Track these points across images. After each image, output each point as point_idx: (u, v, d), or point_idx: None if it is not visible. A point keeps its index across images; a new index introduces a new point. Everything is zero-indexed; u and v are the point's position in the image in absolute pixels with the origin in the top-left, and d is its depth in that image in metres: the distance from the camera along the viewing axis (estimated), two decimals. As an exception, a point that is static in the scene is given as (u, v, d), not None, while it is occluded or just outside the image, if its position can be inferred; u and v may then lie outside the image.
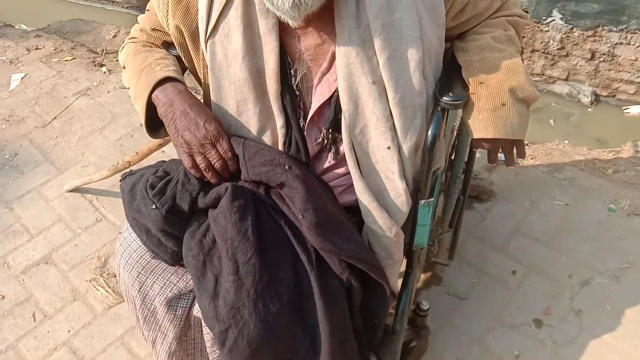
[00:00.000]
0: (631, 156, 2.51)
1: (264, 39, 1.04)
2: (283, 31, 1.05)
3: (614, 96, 3.16)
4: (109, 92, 2.78)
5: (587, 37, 2.93)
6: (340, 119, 1.07)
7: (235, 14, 1.03)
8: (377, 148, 1.06)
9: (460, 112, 1.16)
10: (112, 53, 3.22)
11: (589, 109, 3.15)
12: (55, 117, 2.63)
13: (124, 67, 1.22)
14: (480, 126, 1.04)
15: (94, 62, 3.06)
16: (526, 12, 2.99)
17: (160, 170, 1.13)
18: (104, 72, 2.95)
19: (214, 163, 1.07)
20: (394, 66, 1.00)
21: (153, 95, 1.10)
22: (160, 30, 1.20)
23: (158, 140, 1.68)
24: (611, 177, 2.26)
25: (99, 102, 2.72)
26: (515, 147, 1.10)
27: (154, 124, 1.15)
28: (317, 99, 1.08)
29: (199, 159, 1.07)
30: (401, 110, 1.02)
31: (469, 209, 2.05)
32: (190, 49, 1.13)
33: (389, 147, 1.04)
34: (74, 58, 3.11)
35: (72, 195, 2.20)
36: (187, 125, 1.06)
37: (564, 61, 3.11)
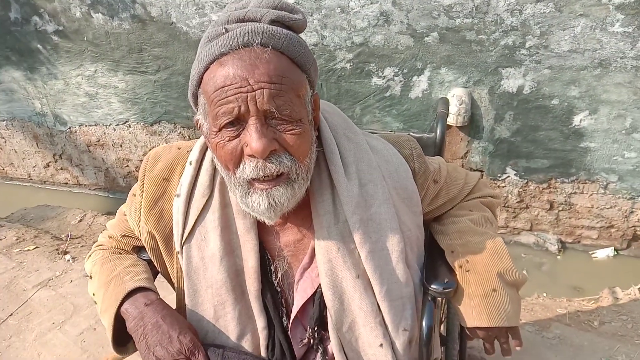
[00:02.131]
0: (611, 304, 2.49)
1: (243, 238, 1.01)
2: (261, 229, 1.03)
3: (579, 242, 3.23)
4: (71, 281, 2.65)
5: (542, 189, 3.08)
6: (325, 316, 1.01)
7: (212, 217, 1.01)
8: (369, 346, 0.98)
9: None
10: (77, 238, 3.15)
11: (558, 257, 3.20)
12: (11, 314, 2.45)
13: (90, 277, 1.15)
14: (474, 314, 0.99)
15: (57, 249, 2.97)
16: (481, 171, 3.17)
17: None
18: (68, 260, 2.85)
19: None
20: (376, 259, 0.98)
21: (122, 308, 1.02)
22: (131, 236, 1.16)
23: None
24: (599, 329, 2.20)
25: (61, 293, 2.57)
26: (510, 335, 1.04)
27: (122, 338, 1.05)
28: (299, 296, 1.03)
29: None
30: (389, 304, 0.97)
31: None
32: (163, 254, 1.08)
33: (381, 345, 0.97)
34: (36, 247, 3.02)
35: (23, 407, 1.96)
36: (160, 339, 0.97)
37: (525, 212, 3.21)
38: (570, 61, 2.67)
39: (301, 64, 0.89)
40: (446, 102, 1.44)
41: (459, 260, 1.04)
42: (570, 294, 2.78)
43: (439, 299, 1.05)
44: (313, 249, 1.01)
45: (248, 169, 0.88)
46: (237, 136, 0.87)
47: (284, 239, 1.04)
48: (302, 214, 1.01)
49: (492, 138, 3.00)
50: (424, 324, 0.98)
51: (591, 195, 3.03)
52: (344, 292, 0.98)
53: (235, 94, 0.83)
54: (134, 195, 1.10)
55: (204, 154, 1.05)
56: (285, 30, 0.87)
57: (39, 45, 3.74)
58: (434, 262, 1.07)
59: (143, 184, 1.07)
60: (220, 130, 0.87)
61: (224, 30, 0.86)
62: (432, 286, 0.99)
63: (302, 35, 0.94)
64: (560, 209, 3.13)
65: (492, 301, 0.99)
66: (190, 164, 1.04)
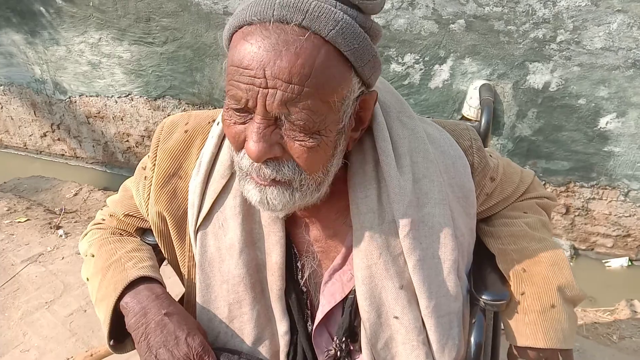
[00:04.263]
0: (630, 317, 2.38)
1: (267, 229, 0.88)
2: (288, 219, 0.89)
3: (592, 249, 3.12)
4: (63, 258, 2.52)
5: (560, 192, 2.96)
6: (356, 327, 0.87)
7: (232, 202, 0.87)
8: None
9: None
10: (71, 213, 3.01)
11: (571, 264, 3.08)
12: (-3, 289, 2.32)
13: (85, 258, 1.01)
14: (527, 331, 0.86)
15: (50, 223, 2.83)
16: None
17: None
18: (60, 236, 2.71)
19: None
20: (425, 268, 0.84)
21: (122, 301, 0.88)
22: (136, 216, 1.02)
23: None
24: (619, 345, 2.09)
25: (51, 270, 2.44)
26: (562, 359, 0.91)
27: (119, 332, 0.92)
28: (327, 301, 0.89)
29: None
30: (437, 321, 0.84)
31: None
32: (173, 239, 0.94)
33: None
34: (28, 219, 2.87)
35: (4, 390, 1.83)
36: (164, 340, 0.83)
37: (539, 216, 3.10)
38: (602, 59, 2.53)
39: (352, 59, 0.71)
40: (490, 89, 1.29)
41: (513, 269, 0.90)
42: (583, 303, 2.66)
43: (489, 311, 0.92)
44: (348, 249, 0.88)
45: (245, 161, 0.75)
46: (244, 123, 0.73)
47: (313, 232, 0.90)
48: (337, 205, 0.87)
49: (512, 135, 2.87)
50: (472, 340, 0.85)
51: (610, 202, 2.91)
52: (383, 304, 0.85)
53: (246, 83, 0.68)
54: (144, 169, 0.96)
55: None
56: (341, 15, 0.68)
57: (41, 8, 3.57)
58: (482, 268, 0.93)
59: (155, 156, 0.93)
60: (228, 109, 0.74)
61: None
62: (483, 297, 0.86)
63: None
64: (577, 214, 3.01)
65: (550, 318, 0.86)
66: (212, 137, 0.89)
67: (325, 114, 0.70)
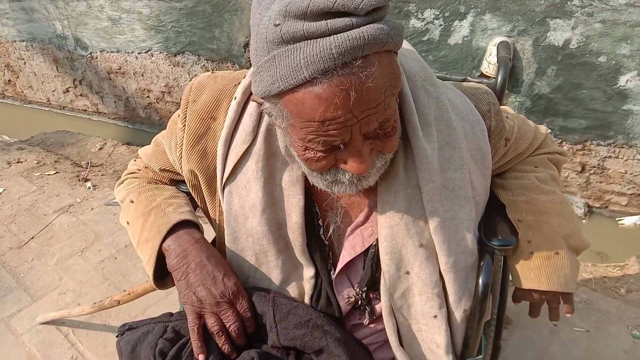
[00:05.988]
0: (639, 273, 2.44)
1: (287, 192, 0.94)
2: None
3: (606, 207, 3.15)
4: (92, 209, 2.63)
5: (576, 150, 2.97)
6: (377, 278, 0.95)
7: (255, 167, 0.93)
8: (422, 315, 0.94)
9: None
10: (97, 166, 3.12)
11: (584, 221, 3.13)
12: (32, 237, 2.45)
13: (123, 204, 1.09)
14: (532, 275, 0.94)
15: (78, 176, 2.94)
16: (515, 126, 3.05)
17: (170, 330, 0.96)
18: (89, 188, 2.82)
19: (229, 326, 0.92)
20: (445, 229, 0.90)
21: (164, 244, 0.96)
22: (171, 171, 1.09)
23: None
24: (625, 297, 2.16)
25: (82, 220, 2.56)
26: (562, 301, 0.99)
27: (159, 271, 1.01)
28: (347, 252, 0.96)
29: (210, 321, 0.91)
30: (455, 275, 0.91)
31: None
32: (205, 194, 1.02)
33: (435, 316, 0.92)
34: (57, 172, 2.99)
35: (45, 328, 1.97)
36: (203, 279, 0.92)
37: (554, 173, 3.12)
38: (625, 15, 2.49)
39: (396, 49, 0.74)
40: (508, 47, 1.32)
41: (522, 218, 0.97)
42: (594, 259, 2.73)
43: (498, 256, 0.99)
44: (371, 208, 0.94)
45: (343, 177, 0.81)
46: (330, 153, 0.78)
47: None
48: None
49: (530, 93, 2.87)
50: (480, 280, 0.92)
51: (626, 160, 2.92)
52: (402, 260, 0.92)
53: (338, 129, 0.71)
54: (175, 127, 1.02)
55: (248, 97, 0.94)
56: (382, 27, 0.67)
57: (61, -37, 3.58)
58: (492, 217, 1.00)
59: (185, 117, 0.99)
60: (311, 150, 0.77)
61: (305, 33, 0.66)
62: (493, 242, 0.93)
63: None
64: (592, 172, 3.03)
65: (554, 264, 0.93)
66: (235, 98, 0.95)
67: (395, 103, 0.77)
